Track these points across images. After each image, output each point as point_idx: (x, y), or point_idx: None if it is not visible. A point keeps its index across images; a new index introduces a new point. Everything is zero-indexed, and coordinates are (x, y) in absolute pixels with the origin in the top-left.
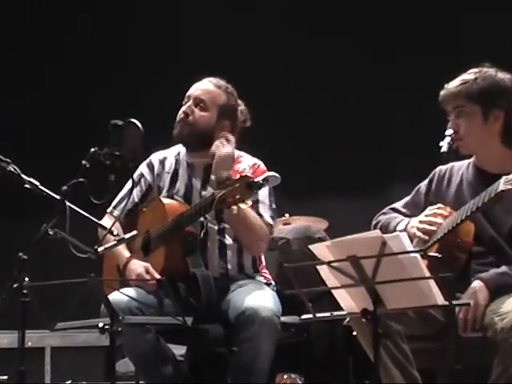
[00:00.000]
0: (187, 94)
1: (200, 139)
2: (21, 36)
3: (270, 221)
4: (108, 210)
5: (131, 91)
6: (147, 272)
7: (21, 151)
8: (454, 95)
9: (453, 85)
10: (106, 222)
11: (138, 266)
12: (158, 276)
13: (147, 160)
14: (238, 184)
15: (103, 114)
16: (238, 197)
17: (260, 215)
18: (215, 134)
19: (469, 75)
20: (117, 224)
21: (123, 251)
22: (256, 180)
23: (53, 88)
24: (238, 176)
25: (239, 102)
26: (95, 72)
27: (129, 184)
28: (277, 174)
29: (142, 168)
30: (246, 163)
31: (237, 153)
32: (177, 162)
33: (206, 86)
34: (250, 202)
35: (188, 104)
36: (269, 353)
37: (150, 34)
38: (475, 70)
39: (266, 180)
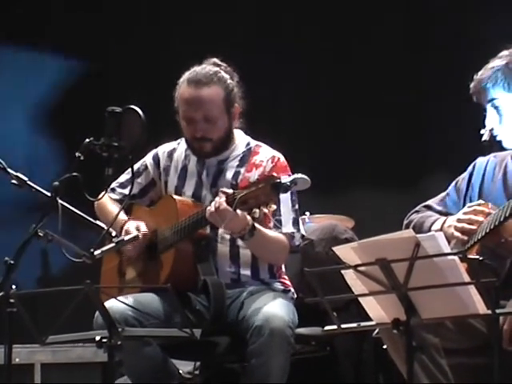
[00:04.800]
0: (183, 108)
1: (223, 143)
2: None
3: (291, 229)
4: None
5: (130, 75)
6: (138, 230)
7: None
8: (485, 86)
9: (483, 75)
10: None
11: (130, 226)
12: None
13: (154, 151)
14: (262, 185)
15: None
16: (261, 199)
17: (279, 222)
18: (233, 128)
19: (499, 60)
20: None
21: (120, 216)
22: (283, 181)
23: None
24: (258, 175)
25: (226, 72)
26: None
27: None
28: (306, 177)
29: (148, 159)
30: (264, 155)
31: (254, 143)
32: (186, 156)
33: (203, 96)
34: (274, 206)
35: (197, 127)
36: (282, 369)
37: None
38: (505, 52)
39: (293, 182)
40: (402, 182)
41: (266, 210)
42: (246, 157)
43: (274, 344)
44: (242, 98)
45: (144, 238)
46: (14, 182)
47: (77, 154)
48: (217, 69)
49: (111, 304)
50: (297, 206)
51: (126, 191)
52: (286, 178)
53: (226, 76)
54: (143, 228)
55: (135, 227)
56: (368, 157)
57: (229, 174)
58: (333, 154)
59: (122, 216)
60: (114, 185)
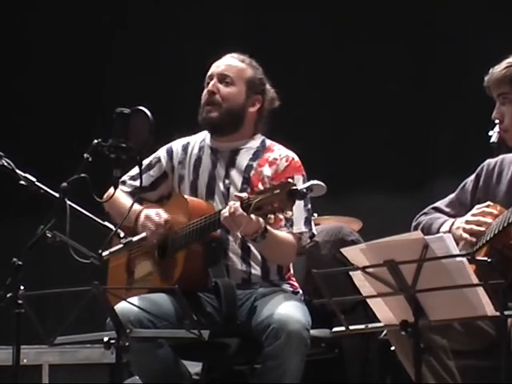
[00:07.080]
0: (208, 73)
1: (232, 120)
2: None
3: (303, 228)
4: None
5: (137, 77)
6: (158, 216)
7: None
8: (498, 81)
9: (497, 69)
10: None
11: (151, 213)
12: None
13: (168, 145)
14: (277, 191)
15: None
16: (276, 205)
17: (291, 221)
18: (247, 113)
19: None
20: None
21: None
22: (300, 188)
23: (52, 71)
24: (272, 174)
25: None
26: (97, 56)
27: (145, 162)
28: (322, 183)
29: (161, 152)
30: (278, 153)
31: (269, 141)
32: (201, 149)
33: (228, 62)
34: (290, 213)
35: (212, 82)
36: (297, 372)
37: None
38: None
39: (309, 189)
40: (410, 184)
41: (281, 216)
42: (260, 152)
43: (291, 346)
44: (265, 98)
45: (165, 226)
46: (22, 182)
47: (85, 156)
48: (256, 64)
49: (125, 306)
50: (309, 206)
51: (137, 183)
52: (302, 185)
53: (261, 73)
54: (163, 215)
55: (155, 213)
56: (375, 159)
57: (241, 166)
58: (340, 157)
59: (136, 206)
60: (124, 178)
